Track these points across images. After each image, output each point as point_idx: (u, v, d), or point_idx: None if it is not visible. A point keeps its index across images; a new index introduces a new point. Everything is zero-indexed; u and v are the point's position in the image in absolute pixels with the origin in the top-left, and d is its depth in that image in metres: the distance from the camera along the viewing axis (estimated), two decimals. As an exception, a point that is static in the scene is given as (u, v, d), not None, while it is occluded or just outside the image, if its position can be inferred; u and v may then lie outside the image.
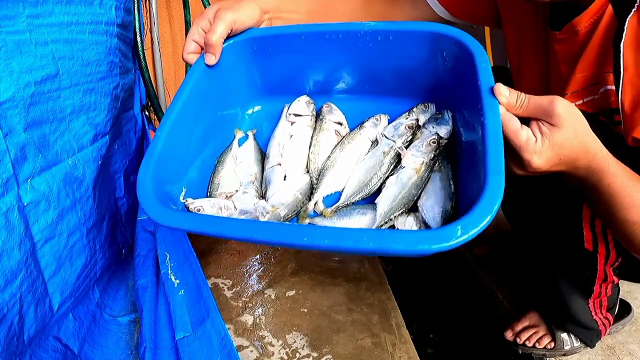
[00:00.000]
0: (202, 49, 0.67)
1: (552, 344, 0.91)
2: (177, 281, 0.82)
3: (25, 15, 0.62)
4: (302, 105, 0.73)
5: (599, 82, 0.66)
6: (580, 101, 0.69)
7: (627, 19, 0.59)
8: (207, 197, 0.66)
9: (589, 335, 0.88)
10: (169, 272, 0.83)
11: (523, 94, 0.54)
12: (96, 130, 0.82)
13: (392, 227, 0.59)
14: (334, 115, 0.72)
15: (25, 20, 0.62)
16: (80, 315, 0.78)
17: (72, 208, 0.75)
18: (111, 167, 0.91)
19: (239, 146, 0.71)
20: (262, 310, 0.95)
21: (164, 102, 1.36)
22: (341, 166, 0.66)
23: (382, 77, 0.71)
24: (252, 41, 0.69)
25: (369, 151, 0.67)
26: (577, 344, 0.90)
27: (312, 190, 0.66)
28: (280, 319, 0.92)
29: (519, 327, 0.96)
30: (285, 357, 0.81)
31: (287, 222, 0.62)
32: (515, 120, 0.52)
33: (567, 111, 0.51)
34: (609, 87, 0.63)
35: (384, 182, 0.63)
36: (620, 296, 0.92)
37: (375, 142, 0.68)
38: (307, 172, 0.68)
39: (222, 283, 1.03)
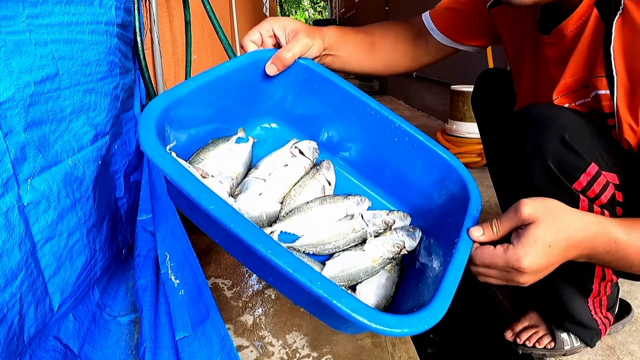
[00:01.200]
0: (262, 42, 0.69)
1: (552, 344, 0.91)
2: (177, 281, 0.82)
3: (25, 15, 0.62)
4: (309, 147, 0.76)
5: (589, 85, 0.66)
6: (573, 104, 0.70)
7: (614, 23, 0.60)
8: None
9: (589, 335, 0.88)
10: (169, 272, 0.83)
11: (494, 219, 0.56)
12: (96, 130, 0.82)
13: None
14: (329, 173, 0.76)
15: (25, 20, 0.62)
16: (80, 315, 0.78)
17: (72, 208, 0.75)
18: (111, 167, 0.91)
19: (236, 143, 0.73)
20: (262, 310, 0.95)
21: (164, 102, 1.36)
22: (311, 216, 0.69)
23: (385, 171, 0.75)
24: (306, 70, 0.71)
25: (340, 219, 0.70)
26: (577, 343, 0.90)
27: (275, 219, 0.68)
28: (280, 319, 0.92)
29: (519, 327, 0.96)
30: (285, 357, 0.81)
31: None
32: (488, 246, 0.55)
33: (533, 207, 0.53)
34: (601, 91, 0.63)
35: (340, 251, 0.66)
36: (620, 296, 0.91)
37: (350, 217, 0.71)
38: (281, 203, 0.71)
39: (222, 283, 1.03)
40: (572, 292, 0.83)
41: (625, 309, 0.98)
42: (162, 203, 0.93)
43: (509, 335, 0.96)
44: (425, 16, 0.94)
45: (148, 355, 0.74)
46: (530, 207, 0.53)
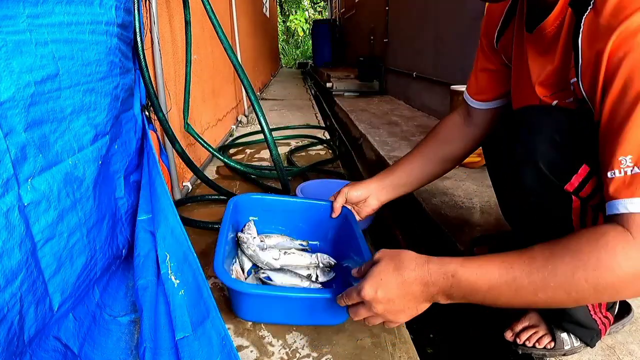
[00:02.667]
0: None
1: (552, 344, 0.91)
2: (177, 281, 0.82)
3: (25, 15, 0.62)
4: (324, 262, 1.10)
5: (567, 87, 0.68)
6: (563, 101, 0.71)
7: (584, 17, 0.62)
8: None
9: (589, 335, 0.88)
10: (169, 272, 0.83)
11: (361, 265, 0.75)
12: (96, 130, 0.82)
13: None
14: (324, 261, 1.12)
15: (25, 20, 0.62)
16: (80, 315, 0.78)
17: (72, 208, 0.75)
18: (111, 167, 0.91)
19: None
20: (262, 310, 0.95)
21: (164, 102, 1.36)
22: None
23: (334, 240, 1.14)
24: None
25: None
26: (577, 343, 0.90)
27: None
28: (280, 319, 0.92)
29: (519, 327, 0.96)
30: (285, 357, 0.81)
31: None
32: (351, 287, 0.70)
33: (383, 252, 0.68)
34: (572, 80, 0.65)
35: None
36: (620, 296, 0.91)
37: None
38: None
39: (222, 283, 1.03)
40: None
41: (625, 309, 0.98)
42: (162, 203, 0.93)
43: (508, 336, 0.96)
44: (466, 95, 1.00)
45: (148, 355, 0.74)
46: (381, 252, 0.68)
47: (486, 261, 0.59)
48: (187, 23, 1.49)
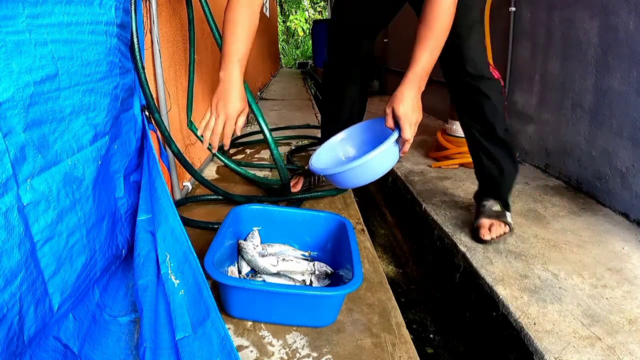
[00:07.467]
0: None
1: (507, 228, 1.25)
2: (177, 281, 0.82)
3: (24, 16, 0.62)
4: (320, 272, 1.12)
5: None
6: None
7: None
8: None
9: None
10: (169, 272, 0.83)
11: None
12: (96, 130, 0.82)
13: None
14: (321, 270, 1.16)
15: (25, 21, 0.62)
16: (80, 315, 0.78)
17: (71, 208, 0.75)
18: (111, 167, 0.91)
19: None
20: (262, 310, 0.95)
21: (163, 102, 1.36)
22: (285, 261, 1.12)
23: (329, 247, 1.17)
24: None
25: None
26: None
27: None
28: (280, 319, 0.92)
29: (487, 224, 1.27)
30: (285, 357, 0.81)
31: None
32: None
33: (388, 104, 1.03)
34: None
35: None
36: (619, 296, 0.91)
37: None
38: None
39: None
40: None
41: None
42: (162, 203, 0.93)
43: (485, 235, 1.26)
44: None
45: (148, 355, 0.74)
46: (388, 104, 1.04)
47: (416, 57, 1.02)
48: (190, 21, 1.50)
